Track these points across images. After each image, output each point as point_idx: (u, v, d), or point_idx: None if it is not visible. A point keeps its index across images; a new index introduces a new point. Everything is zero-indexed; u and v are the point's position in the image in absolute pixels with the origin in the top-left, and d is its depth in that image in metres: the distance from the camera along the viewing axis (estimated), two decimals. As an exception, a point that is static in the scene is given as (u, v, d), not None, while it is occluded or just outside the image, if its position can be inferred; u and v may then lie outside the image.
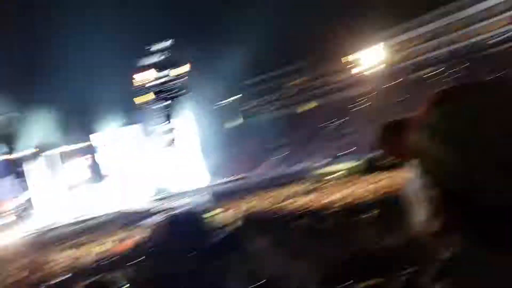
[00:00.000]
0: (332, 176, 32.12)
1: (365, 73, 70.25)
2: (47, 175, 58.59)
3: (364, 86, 69.70)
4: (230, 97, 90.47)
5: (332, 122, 61.22)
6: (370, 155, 37.00)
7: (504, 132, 0.61)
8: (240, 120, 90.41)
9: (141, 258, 19.47)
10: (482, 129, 0.64)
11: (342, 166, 35.18)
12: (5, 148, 32.90)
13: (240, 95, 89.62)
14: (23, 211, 52.18)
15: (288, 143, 65.71)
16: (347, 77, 78.28)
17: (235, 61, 65.87)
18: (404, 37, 66.74)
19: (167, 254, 19.16)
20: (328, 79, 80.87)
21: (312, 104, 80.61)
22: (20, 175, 46.74)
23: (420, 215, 0.73)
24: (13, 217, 51.64)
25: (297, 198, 25.83)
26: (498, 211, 0.60)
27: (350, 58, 73.90)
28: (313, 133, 61.56)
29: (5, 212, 52.17)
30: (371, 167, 29.43)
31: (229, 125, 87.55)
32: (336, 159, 43.10)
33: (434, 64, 61.08)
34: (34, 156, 56.39)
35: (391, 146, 0.88)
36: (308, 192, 27.47)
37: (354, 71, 75.79)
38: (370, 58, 70.65)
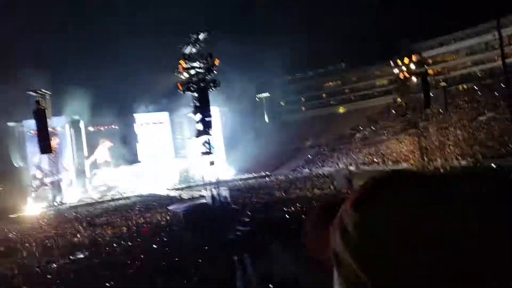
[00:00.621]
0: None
1: (402, 81, 69.25)
2: (81, 153, 60.83)
3: (399, 95, 68.95)
4: (263, 93, 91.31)
5: (362, 129, 60.78)
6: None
7: (423, 241, 0.55)
8: (271, 117, 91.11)
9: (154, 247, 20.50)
10: (397, 239, 0.57)
11: (368, 174, 35.20)
12: (40, 124, 34.70)
13: (273, 92, 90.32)
14: (58, 185, 54.16)
15: (316, 145, 65.77)
16: (383, 84, 77.78)
17: (273, 57, 66.41)
18: (443, 49, 65.70)
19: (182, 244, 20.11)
20: (364, 85, 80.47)
21: (344, 108, 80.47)
22: (55, 151, 48.67)
23: None
24: (51, 189, 53.81)
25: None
26: None
27: (388, 65, 72.98)
28: (341, 138, 61.33)
29: (44, 184, 54.52)
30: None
31: (260, 121, 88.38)
32: (360, 165, 43.13)
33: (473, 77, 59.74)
34: (72, 132, 58.80)
35: (313, 242, 0.77)
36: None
37: (390, 78, 75.06)
38: (408, 67, 69.89)
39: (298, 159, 60.53)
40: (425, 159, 36.40)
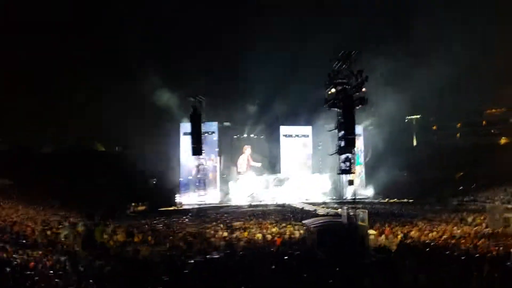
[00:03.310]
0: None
1: None
2: (228, 158, 64.84)
3: None
4: (411, 115, 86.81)
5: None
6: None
7: None
8: (420, 141, 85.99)
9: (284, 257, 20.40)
10: None
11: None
12: (194, 128, 37.82)
13: (425, 114, 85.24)
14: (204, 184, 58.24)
15: (467, 176, 59.95)
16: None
17: (425, 79, 62.63)
18: None
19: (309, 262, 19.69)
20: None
21: (505, 139, 72.14)
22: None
23: None
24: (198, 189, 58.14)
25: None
26: None
27: None
28: (498, 172, 54.78)
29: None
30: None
31: (407, 144, 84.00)
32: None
33: None
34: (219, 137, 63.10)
35: None
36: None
37: None
38: None
39: (447, 188, 55.62)
40: None
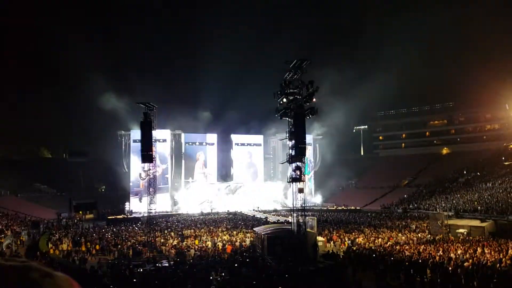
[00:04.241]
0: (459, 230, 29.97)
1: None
2: (179, 165, 64.00)
3: (508, 142, 63.60)
4: (359, 126, 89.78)
5: (466, 174, 56.46)
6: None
7: None
8: (367, 151, 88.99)
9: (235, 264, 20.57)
10: None
11: (466, 222, 32.63)
12: (145, 135, 37.43)
13: (372, 125, 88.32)
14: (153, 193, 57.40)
15: (414, 184, 62.49)
16: (492, 129, 72.44)
17: (372, 90, 64.89)
18: None
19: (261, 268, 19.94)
20: (470, 127, 75.64)
21: (446, 149, 75.93)
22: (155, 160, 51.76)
23: None
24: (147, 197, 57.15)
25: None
26: None
27: (502, 110, 67.68)
28: (442, 181, 57.52)
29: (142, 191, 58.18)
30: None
31: (355, 153, 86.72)
32: (459, 213, 39.95)
33: None
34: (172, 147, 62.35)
35: None
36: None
37: (501, 124, 69.67)
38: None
39: (392, 197, 57.72)
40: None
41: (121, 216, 50.26)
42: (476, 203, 42.44)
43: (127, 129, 59.92)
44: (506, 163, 54.08)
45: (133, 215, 51.48)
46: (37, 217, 43.11)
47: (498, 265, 16.45)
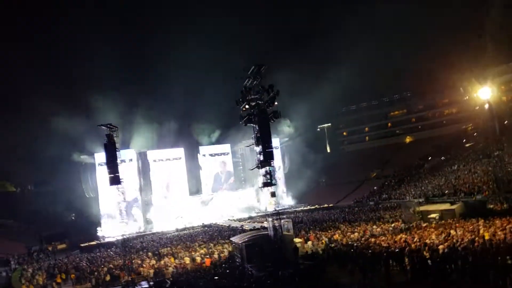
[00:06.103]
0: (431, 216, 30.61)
1: (470, 110, 65.95)
2: (148, 183, 63.01)
3: (467, 124, 65.78)
4: (322, 124, 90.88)
5: (431, 159, 58.00)
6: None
7: None
8: (333, 148, 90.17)
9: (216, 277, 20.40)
10: None
11: (437, 207, 33.41)
12: (110, 157, 36.33)
13: (335, 122, 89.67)
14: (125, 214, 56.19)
15: (382, 176, 63.68)
16: (452, 112, 74.80)
17: (331, 88, 65.77)
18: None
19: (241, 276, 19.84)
20: (429, 114, 77.97)
21: (409, 138, 77.94)
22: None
23: None
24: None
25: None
26: None
27: (457, 94, 69.96)
28: (409, 169, 58.84)
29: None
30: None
31: (321, 151, 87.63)
32: (429, 199, 40.90)
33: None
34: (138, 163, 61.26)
35: None
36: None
37: (458, 107, 72.07)
38: (479, 95, 66.68)
39: (363, 190, 58.62)
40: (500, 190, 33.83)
41: (94, 242, 49.03)
42: (443, 187, 43.57)
43: (90, 153, 58.61)
44: (467, 145, 55.75)
45: (107, 240, 50.31)
46: (7, 253, 41.60)
47: (471, 245, 16.86)
